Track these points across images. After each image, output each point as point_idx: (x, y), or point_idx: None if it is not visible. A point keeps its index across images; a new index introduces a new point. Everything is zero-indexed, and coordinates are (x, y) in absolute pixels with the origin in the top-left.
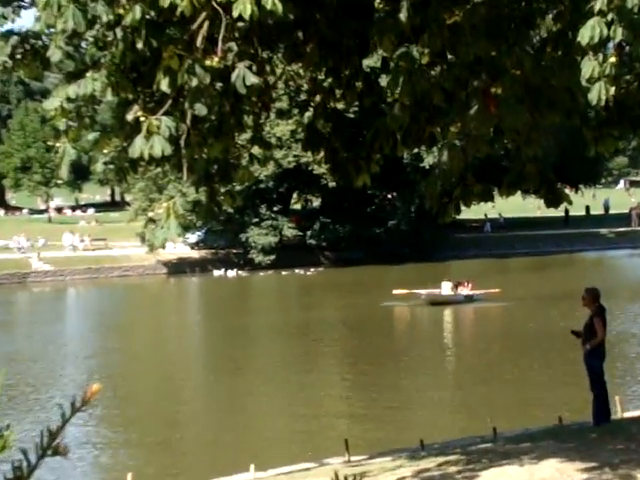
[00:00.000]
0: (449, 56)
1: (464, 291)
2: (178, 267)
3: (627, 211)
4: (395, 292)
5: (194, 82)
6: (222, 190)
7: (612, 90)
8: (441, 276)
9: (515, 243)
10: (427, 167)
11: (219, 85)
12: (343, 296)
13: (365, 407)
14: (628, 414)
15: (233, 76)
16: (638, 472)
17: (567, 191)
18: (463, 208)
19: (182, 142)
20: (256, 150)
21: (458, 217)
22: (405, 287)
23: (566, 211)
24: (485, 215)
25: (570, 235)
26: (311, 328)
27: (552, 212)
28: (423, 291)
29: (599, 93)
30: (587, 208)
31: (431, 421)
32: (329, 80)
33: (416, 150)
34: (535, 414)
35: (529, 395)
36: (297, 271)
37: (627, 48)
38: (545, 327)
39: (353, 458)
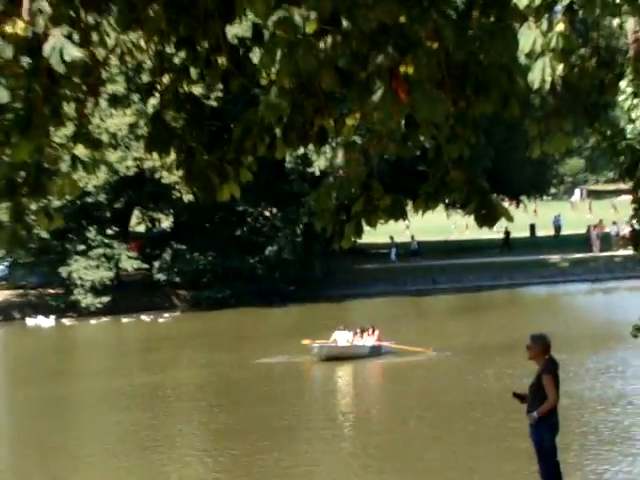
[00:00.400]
0: (344, 23)
1: (368, 341)
2: None
3: (585, 231)
4: (305, 342)
5: None
6: (33, 207)
7: (560, 68)
8: (338, 320)
9: (437, 275)
10: (317, 174)
11: (26, 61)
12: (205, 351)
13: None
14: None
15: (46, 48)
16: None
17: (506, 204)
18: (366, 229)
19: None
20: (81, 151)
21: (359, 241)
22: (289, 336)
23: (506, 233)
24: (391, 238)
25: (510, 264)
26: (162, 396)
27: (486, 233)
28: (316, 343)
29: (542, 72)
30: (532, 227)
31: None
32: (181, 55)
33: (302, 151)
34: None
35: None
36: (143, 317)
37: (580, 13)
38: (478, 389)
39: None
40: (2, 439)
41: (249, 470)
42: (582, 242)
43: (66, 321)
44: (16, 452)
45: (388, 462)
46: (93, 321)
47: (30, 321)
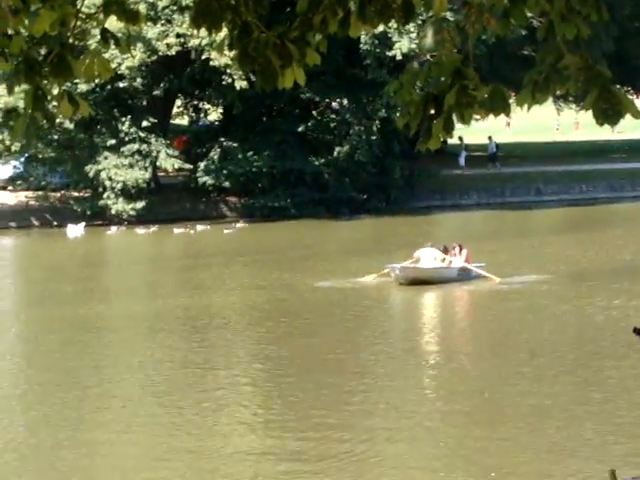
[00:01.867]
0: None
1: (456, 262)
2: None
3: None
4: (365, 279)
5: None
6: (55, 91)
7: None
8: (421, 237)
9: (541, 185)
10: (398, 58)
11: None
12: (260, 269)
13: (295, 447)
14: None
15: None
16: None
17: (632, 99)
18: (459, 126)
19: None
20: (113, 24)
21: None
22: (361, 255)
23: None
24: (460, 139)
25: (634, 172)
26: (211, 321)
27: (602, 133)
28: (396, 265)
29: None
30: None
31: (399, 477)
32: None
33: (381, 28)
34: (574, 470)
35: (567, 441)
36: (199, 227)
37: None
38: (587, 324)
39: None
40: (36, 368)
41: (312, 409)
42: None
43: (114, 229)
44: (45, 382)
45: (481, 417)
46: (141, 230)
47: (73, 229)
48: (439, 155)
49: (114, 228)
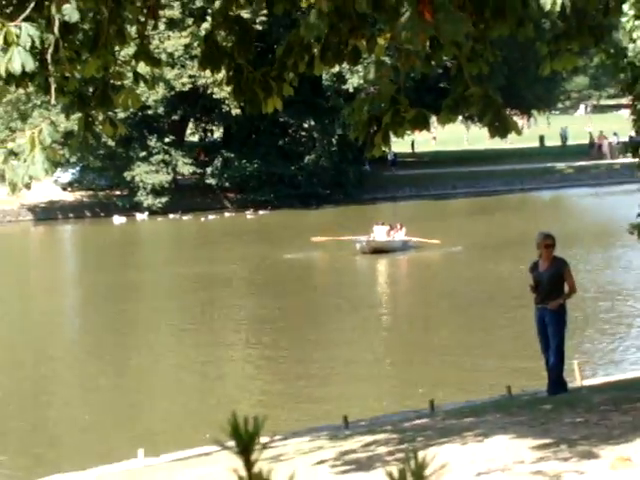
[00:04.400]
0: None
1: (399, 236)
2: (48, 213)
3: (587, 141)
4: (315, 239)
5: None
6: (100, 117)
7: None
8: (368, 220)
9: (456, 182)
10: (351, 90)
11: None
12: (250, 246)
13: (274, 381)
14: (587, 382)
15: None
16: (600, 449)
17: (517, 119)
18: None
19: (49, 57)
20: (142, 68)
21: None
22: (325, 234)
23: (541, 139)
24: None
25: (522, 171)
26: (207, 286)
27: (500, 144)
28: (362, 237)
29: None
30: (541, 139)
31: (356, 395)
32: None
33: (337, 69)
34: (479, 383)
35: (472, 362)
36: (204, 218)
37: None
38: (492, 280)
39: (262, 439)
40: (74, 324)
41: (281, 353)
42: (585, 151)
43: (142, 216)
44: (83, 336)
45: (411, 345)
46: (160, 218)
47: (118, 220)
48: (381, 160)
49: (144, 216)
